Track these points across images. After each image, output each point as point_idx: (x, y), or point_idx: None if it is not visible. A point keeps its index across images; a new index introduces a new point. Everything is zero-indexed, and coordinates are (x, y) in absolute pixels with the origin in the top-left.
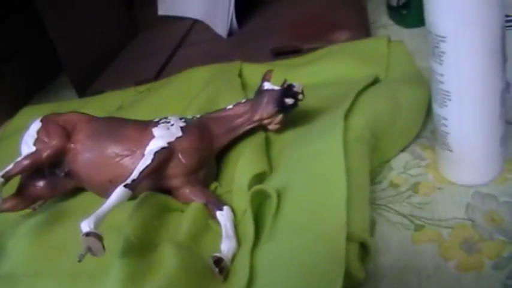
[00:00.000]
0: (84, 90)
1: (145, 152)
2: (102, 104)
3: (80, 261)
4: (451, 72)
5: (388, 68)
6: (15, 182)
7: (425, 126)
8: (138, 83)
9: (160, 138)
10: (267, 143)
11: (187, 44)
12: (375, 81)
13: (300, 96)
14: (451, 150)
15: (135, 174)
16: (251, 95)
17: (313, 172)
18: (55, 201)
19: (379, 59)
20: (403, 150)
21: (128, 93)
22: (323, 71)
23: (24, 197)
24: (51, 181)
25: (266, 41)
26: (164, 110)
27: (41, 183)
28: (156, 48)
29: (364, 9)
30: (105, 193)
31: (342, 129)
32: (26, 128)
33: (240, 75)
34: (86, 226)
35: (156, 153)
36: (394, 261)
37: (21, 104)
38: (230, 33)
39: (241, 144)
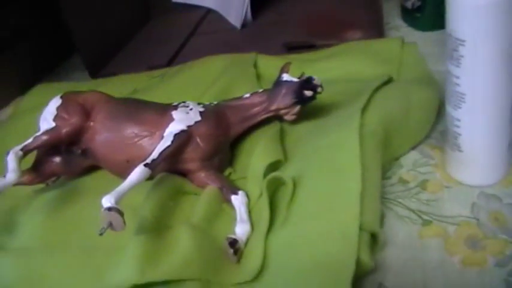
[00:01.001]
0: (96, 72)
1: (165, 134)
2: (116, 87)
3: (101, 234)
4: (467, 75)
5: (401, 68)
6: (30, 158)
7: (434, 127)
8: (151, 68)
9: (179, 121)
10: (282, 133)
11: (200, 32)
12: (388, 81)
13: (319, 89)
14: (461, 151)
15: (155, 154)
16: (265, 86)
17: (329, 162)
18: (69, 179)
19: (392, 60)
20: (412, 149)
21: (142, 78)
22: (337, 68)
23: (39, 172)
24: (67, 158)
25: (279, 35)
26: (180, 95)
27: (57, 160)
28: (169, 35)
29: (380, 9)
30: (121, 173)
31: (359, 123)
32: (40, 105)
33: (255, 66)
34: (107, 201)
35: (175, 135)
36: (401, 253)
37: (31, 83)
38: (244, 24)
39: (256, 133)
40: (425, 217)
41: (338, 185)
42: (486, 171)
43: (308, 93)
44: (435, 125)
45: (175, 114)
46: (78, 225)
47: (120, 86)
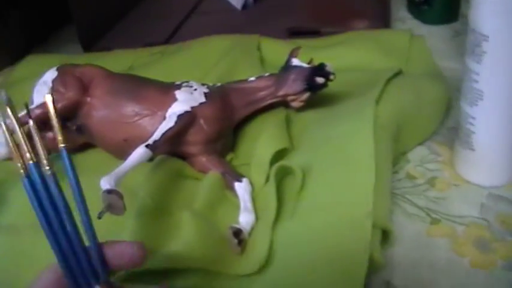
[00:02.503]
0: (90, 46)
1: (167, 115)
2: (111, 62)
3: (100, 218)
4: (488, 72)
5: (408, 62)
6: None
7: (442, 123)
8: (148, 44)
9: (183, 101)
10: (287, 121)
11: (200, 12)
12: (397, 73)
13: (332, 77)
14: (473, 149)
15: (156, 135)
16: (268, 70)
17: (341, 153)
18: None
19: (399, 52)
20: (419, 144)
21: (139, 54)
22: (343, 56)
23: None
24: None
25: (281, 19)
26: (180, 75)
27: (49, 135)
28: (167, 13)
29: (387, 0)
30: (118, 152)
31: (373, 114)
32: (32, 77)
33: (258, 49)
34: (106, 183)
35: (179, 116)
36: (409, 251)
37: (22, 53)
38: (244, 6)
39: (259, 118)
40: (433, 215)
41: (350, 177)
42: (496, 172)
43: (320, 80)
44: (443, 121)
45: (178, 94)
46: (71, 205)
47: (115, 61)
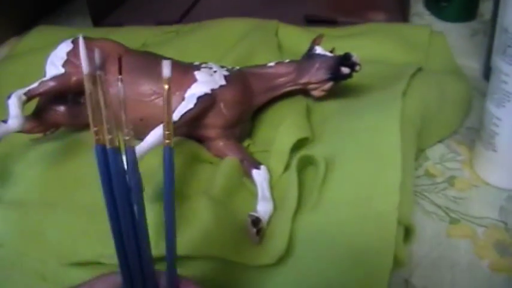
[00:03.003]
0: (100, 20)
1: (186, 96)
2: (122, 39)
3: None
4: None
5: (427, 58)
6: (31, 104)
7: (462, 122)
8: (160, 23)
9: (203, 83)
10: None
11: None
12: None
13: (358, 68)
14: (495, 151)
15: (175, 116)
16: (286, 56)
17: (366, 147)
18: (71, 131)
19: (419, 47)
20: (438, 142)
21: (153, 32)
22: (362, 47)
23: (41, 120)
24: (73, 109)
25: (299, 6)
26: (195, 55)
27: (61, 109)
28: None
29: None
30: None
31: (400, 108)
32: (40, 48)
33: (276, 35)
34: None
35: (199, 98)
36: (429, 250)
37: (28, 24)
38: None
39: (278, 105)
40: (452, 215)
41: (377, 171)
42: None
43: (345, 70)
44: (463, 120)
45: (198, 74)
46: (82, 182)
47: (127, 38)
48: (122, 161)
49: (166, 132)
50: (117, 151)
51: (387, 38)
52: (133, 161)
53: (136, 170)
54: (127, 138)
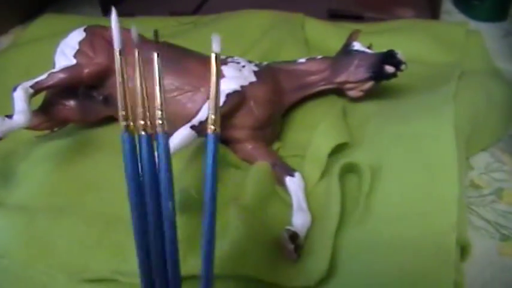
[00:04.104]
0: (109, 9)
1: None
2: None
3: None
4: None
5: (464, 58)
6: (38, 98)
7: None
8: (174, 14)
9: (232, 78)
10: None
11: None
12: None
13: (403, 67)
14: None
15: (203, 116)
16: (312, 52)
17: (416, 156)
18: (81, 127)
19: (455, 46)
20: (482, 150)
21: (168, 23)
22: (393, 45)
23: (49, 116)
24: (84, 104)
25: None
26: None
27: (71, 104)
28: None
29: None
30: None
31: (453, 115)
32: (47, 37)
33: (302, 29)
34: None
35: (228, 95)
36: (480, 271)
37: (34, 12)
38: None
39: (309, 105)
40: (503, 231)
41: (430, 184)
42: None
43: (390, 69)
44: (508, 127)
45: (225, 69)
46: (93, 185)
47: (139, 29)
48: (154, 153)
49: (212, 117)
50: (149, 139)
51: (420, 35)
52: (166, 147)
53: (169, 160)
54: (160, 122)
